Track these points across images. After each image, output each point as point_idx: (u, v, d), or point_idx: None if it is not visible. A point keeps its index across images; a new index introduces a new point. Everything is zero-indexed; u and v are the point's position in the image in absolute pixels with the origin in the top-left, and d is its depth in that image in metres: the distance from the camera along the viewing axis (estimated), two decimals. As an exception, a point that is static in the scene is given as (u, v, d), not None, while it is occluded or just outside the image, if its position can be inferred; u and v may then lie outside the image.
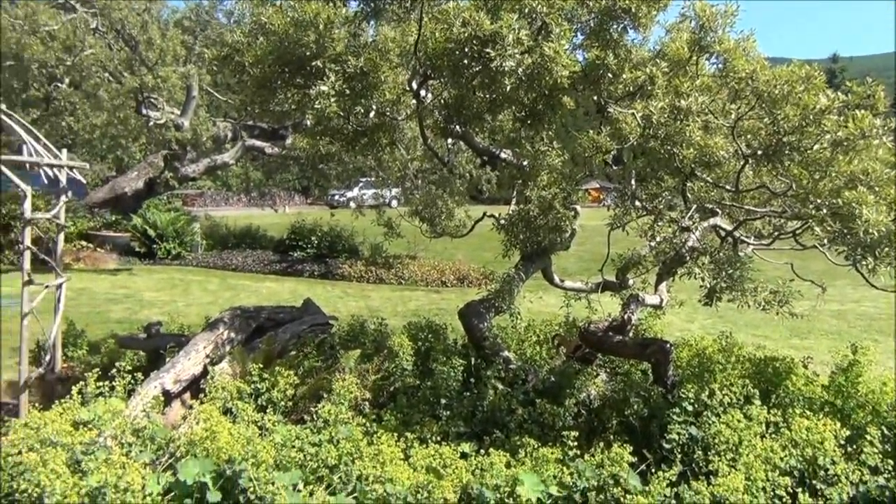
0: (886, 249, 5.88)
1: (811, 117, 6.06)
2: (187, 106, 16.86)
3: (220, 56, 8.31)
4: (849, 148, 6.06)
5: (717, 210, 7.82)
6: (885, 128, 5.98)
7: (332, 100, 6.86)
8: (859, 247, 5.92)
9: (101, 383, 6.75)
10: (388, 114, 8.17)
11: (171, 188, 17.03)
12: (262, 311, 9.55)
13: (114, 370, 7.16)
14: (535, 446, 6.27)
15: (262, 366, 7.59)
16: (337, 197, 42.06)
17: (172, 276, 21.00)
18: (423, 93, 8.21)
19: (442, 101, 8.05)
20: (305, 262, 23.72)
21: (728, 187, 7.36)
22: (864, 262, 6.04)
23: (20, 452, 5.34)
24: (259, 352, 8.41)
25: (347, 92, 7.11)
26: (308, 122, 7.13)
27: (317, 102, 6.82)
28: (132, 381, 7.07)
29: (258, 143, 17.87)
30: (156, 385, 7.41)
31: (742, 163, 6.88)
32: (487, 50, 6.24)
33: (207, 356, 8.10)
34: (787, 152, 6.33)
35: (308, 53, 7.03)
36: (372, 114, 8.19)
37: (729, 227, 7.82)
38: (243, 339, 8.81)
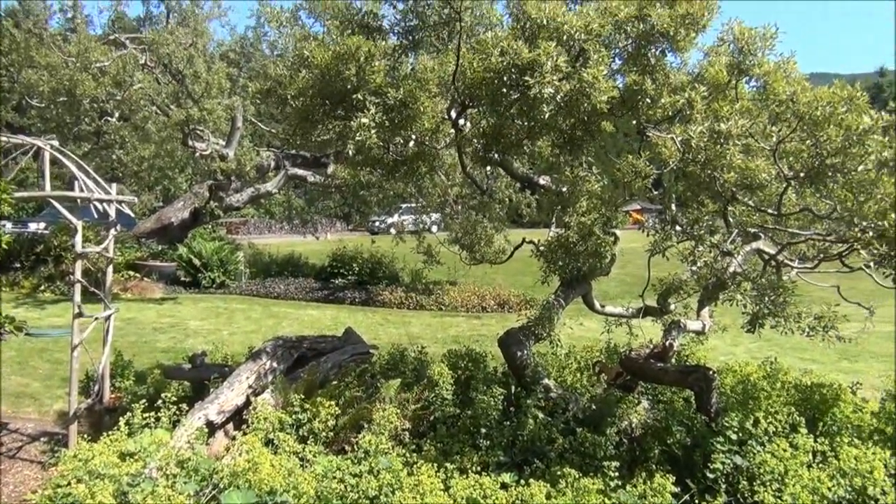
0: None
1: (854, 138, 5.95)
2: (232, 137, 17.19)
3: (263, 89, 8.50)
4: (895, 169, 5.94)
5: (760, 234, 7.70)
6: (933, 147, 5.85)
7: (373, 131, 6.96)
8: (907, 269, 5.79)
9: (147, 414, 6.88)
10: (427, 143, 8.24)
11: (215, 217, 17.30)
12: (303, 341, 9.64)
13: (160, 401, 7.28)
14: (576, 476, 6.20)
15: (303, 396, 7.65)
16: (377, 223, 42.39)
17: (217, 305, 21.29)
18: (461, 121, 8.27)
19: (480, 129, 8.10)
20: (346, 289, 23.87)
21: (770, 211, 7.25)
22: (915, 286, 5.90)
23: (69, 483, 5.46)
24: (301, 382, 8.48)
25: (387, 123, 7.20)
26: (349, 152, 7.22)
27: (357, 134, 6.92)
28: (177, 412, 7.19)
29: (300, 171, 18.10)
30: (200, 416, 7.51)
31: (784, 185, 6.78)
32: (526, 78, 6.28)
33: (250, 387, 8.19)
34: (830, 174, 6.22)
35: (349, 86, 7.14)
36: (411, 143, 8.28)
37: (772, 251, 7.69)
38: (285, 370, 8.89)
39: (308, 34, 7.93)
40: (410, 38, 7.33)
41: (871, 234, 5.96)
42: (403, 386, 8.73)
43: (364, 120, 6.88)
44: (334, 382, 8.84)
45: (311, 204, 24.02)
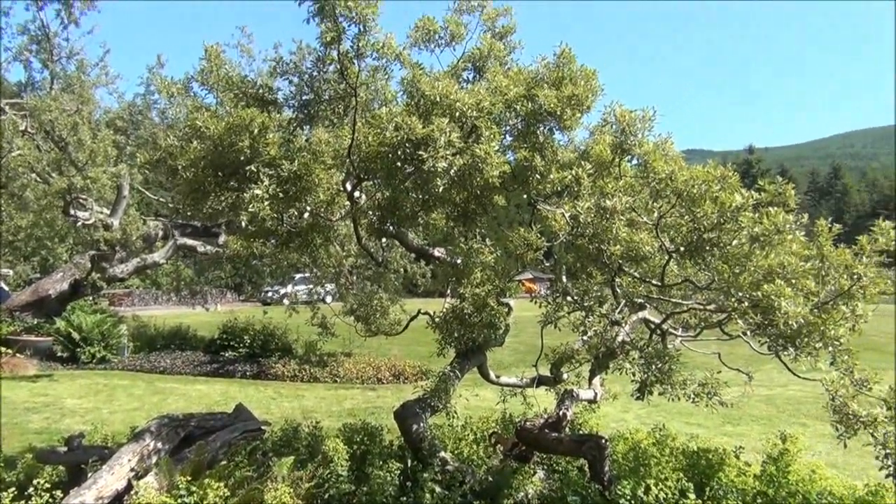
0: (806, 340, 6.10)
1: (728, 214, 6.35)
2: (117, 205, 16.65)
3: (152, 159, 8.31)
4: (765, 243, 6.35)
5: (646, 304, 8.02)
6: (798, 223, 6.30)
7: (266, 203, 6.91)
8: (780, 337, 6.14)
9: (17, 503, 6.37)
10: (322, 214, 8.24)
11: (98, 289, 16.57)
12: (190, 419, 9.22)
13: (31, 488, 6.78)
14: (475, 551, 6.12)
15: (190, 478, 7.28)
16: (270, 294, 41.59)
17: (97, 382, 20.12)
18: (356, 194, 8.32)
19: (376, 201, 8.18)
20: (237, 363, 23.07)
21: (654, 281, 7.58)
22: (785, 352, 6.26)
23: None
24: (188, 463, 8.07)
25: (281, 195, 7.17)
26: (242, 223, 7.11)
27: (251, 205, 6.85)
28: (51, 500, 6.68)
29: (190, 241, 17.68)
30: None
31: (667, 258, 7.12)
32: (420, 152, 6.42)
33: (132, 470, 7.74)
34: (707, 248, 6.60)
35: (242, 158, 7.10)
36: (306, 215, 8.25)
37: (657, 321, 8.01)
38: (171, 450, 8.46)
39: (200, 105, 7.86)
40: (306, 111, 7.39)
41: (746, 304, 6.31)
42: (297, 463, 8.45)
43: (257, 191, 6.83)
44: (224, 462, 8.46)
45: (200, 274, 23.38)
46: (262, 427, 9.85)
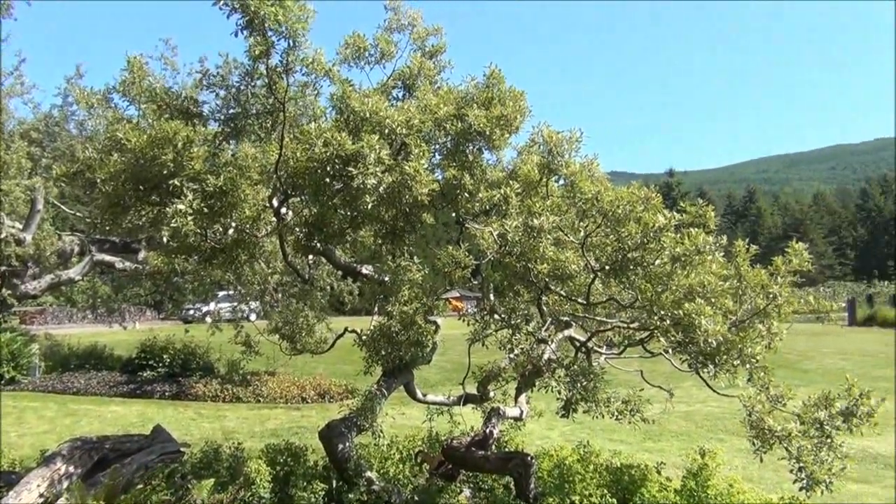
0: (725, 357, 6.29)
1: (651, 235, 6.51)
2: (31, 220, 15.94)
3: (69, 172, 8.01)
4: (686, 263, 6.54)
5: (572, 322, 8.14)
6: (717, 244, 6.52)
7: (190, 218, 6.74)
8: (700, 355, 6.32)
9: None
10: (247, 231, 8.08)
11: (8, 307, 15.81)
12: (105, 442, 8.86)
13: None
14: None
15: (104, 503, 6.99)
16: (192, 311, 40.54)
17: (5, 404, 19.17)
18: (283, 210, 8.20)
19: (303, 218, 8.06)
20: (156, 383, 22.31)
21: (580, 300, 7.70)
22: (705, 370, 6.44)
23: None
24: (101, 487, 7.74)
25: (205, 210, 7.00)
26: (164, 239, 6.91)
27: (173, 221, 6.67)
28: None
29: (108, 257, 17.05)
30: (-22, 531, 6.65)
31: (592, 276, 7.25)
32: (349, 168, 6.38)
33: (42, 495, 7.38)
34: (631, 267, 6.75)
35: (165, 171, 6.90)
36: (231, 231, 8.08)
37: (582, 339, 8.13)
38: (84, 474, 8.10)
39: (121, 117, 7.62)
40: (232, 125, 7.25)
41: (668, 322, 6.47)
42: (217, 486, 8.21)
43: (181, 206, 6.65)
44: (140, 486, 8.16)
45: (118, 291, 22.55)
46: (181, 449, 9.55)
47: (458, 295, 27.86)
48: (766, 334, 6.65)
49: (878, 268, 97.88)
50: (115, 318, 23.79)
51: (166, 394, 21.57)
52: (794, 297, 6.85)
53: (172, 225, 6.63)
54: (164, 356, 23.25)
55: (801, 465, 6.35)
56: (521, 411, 8.69)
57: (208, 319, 25.25)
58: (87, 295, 24.65)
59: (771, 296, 6.67)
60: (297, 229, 8.24)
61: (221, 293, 21.83)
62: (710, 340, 6.08)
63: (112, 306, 22.75)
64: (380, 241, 8.37)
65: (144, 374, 22.86)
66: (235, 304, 18.29)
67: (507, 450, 9.58)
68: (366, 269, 9.41)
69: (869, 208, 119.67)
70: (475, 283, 8.52)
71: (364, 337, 8.77)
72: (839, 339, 36.58)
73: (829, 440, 6.45)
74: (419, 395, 9.66)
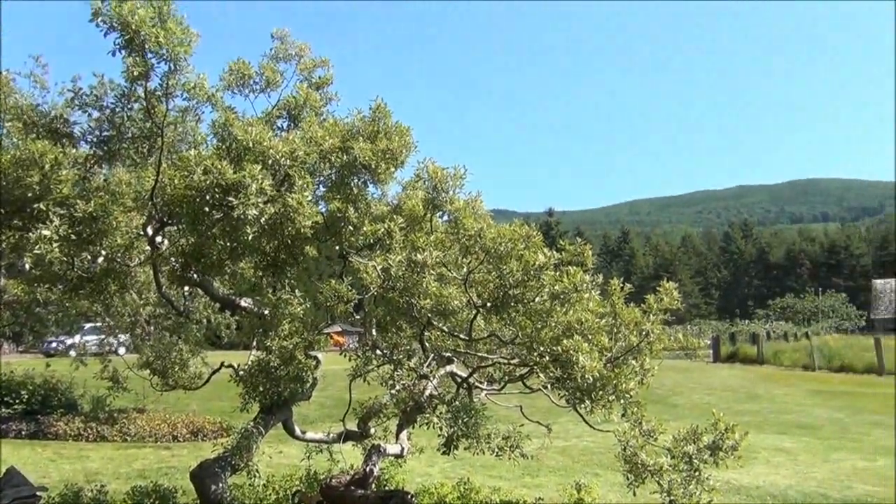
0: (601, 392, 6.45)
1: (532, 272, 6.64)
2: None
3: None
4: (565, 300, 6.69)
5: (453, 358, 8.15)
6: (594, 282, 6.72)
7: (55, 245, 6.34)
8: (578, 390, 6.45)
9: None
10: (118, 259, 7.68)
11: None
12: (-53, 486, 8.13)
13: None
14: None
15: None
16: (55, 344, 38.07)
17: None
18: (159, 239, 7.86)
19: (179, 247, 7.75)
20: (11, 421, 20.68)
21: (462, 336, 7.73)
22: (582, 405, 6.57)
23: None
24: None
25: (73, 237, 6.62)
26: (26, 266, 6.46)
27: (37, 247, 6.25)
28: None
29: (-40, 285, 15.81)
30: None
31: (474, 313, 7.30)
32: (230, 198, 6.20)
33: None
34: (512, 304, 6.85)
35: (30, 194, 6.46)
36: (101, 259, 7.67)
37: (464, 374, 8.16)
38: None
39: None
40: (105, 148, 6.91)
41: (547, 358, 6.58)
42: (75, 532, 7.67)
43: (46, 232, 6.25)
44: (-13, 535, 7.51)
45: (-28, 322, 20.92)
46: (38, 493, 8.88)
47: (339, 330, 27.52)
48: (640, 370, 6.88)
49: (740, 307, 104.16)
50: (-34, 350, 22.01)
51: (23, 433, 20.05)
52: (664, 334, 7.15)
53: (36, 251, 6.21)
54: (22, 392, 21.62)
55: (672, 498, 6.57)
56: (403, 448, 8.58)
57: (73, 353, 23.76)
58: (-67, 325, 22.75)
59: (644, 333, 6.93)
60: (173, 259, 7.91)
61: (88, 325, 20.69)
62: (587, 376, 6.22)
63: (-39, 338, 21.09)
64: (260, 274, 8.15)
65: (-2, 412, 21.21)
66: (103, 336, 17.32)
67: (387, 488, 9.44)
68: (244, 302, 9.12)
69: (731, 251, 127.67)
70: (358, 317, 8.42)
71: (241, 372, 8.48)
72: (705, 374, 38.52)
73: (697, 473, 6.72)
74: (298, 432, 9.40)
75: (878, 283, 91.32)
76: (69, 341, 32.86)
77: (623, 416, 6.91)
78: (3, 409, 21.24)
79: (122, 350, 18.91)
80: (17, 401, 21.40)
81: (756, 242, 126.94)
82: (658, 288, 7.29)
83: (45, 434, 19.97)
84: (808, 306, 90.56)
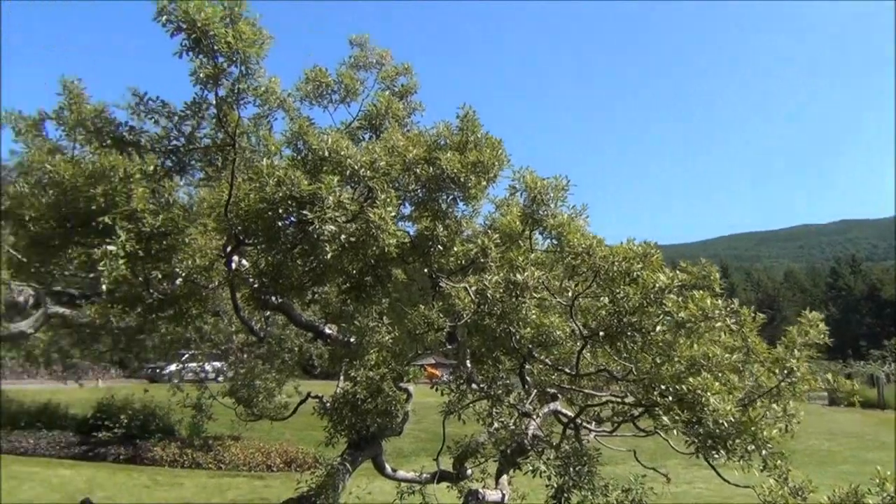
0: (737, 441, 5.38)
1: (652, 296, 5.68)
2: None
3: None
4: (691, 330, 5.68)
5: (558, 394, 7.23)
6: (728, 309, 5.67)
7: (122, 261, 5.82)
8: (710, 437, 5.39)
9: None
10: (197, 281, 7.16)
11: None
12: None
13: None
14: None
15: None
16: (158, 370, 38.98)
17: (-59, 465, 17.82)
18: (236, 258, 7.32)
19: (258, 268, 7.17)
20: (111, 444, 20.93)
21: (567, 370, 6.80)
22: (715, 454, 5.50)
23: None
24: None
25: (141, 253, 6.10)
26: (103, 287, 6.00)
27: (101, 264, 5.75)
28: None
29: (62, 309, 15.99)
30: None
31: (581, 343, 6.38)
32: (305, 212, 5.54)
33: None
34: (628, 333, 5.88)
35: (94, 207, 5.95)
36: (179, 280, 7.18)
37: (570, 413, 7.21)
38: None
39: (54, 147, 6.70)
40: (174, 158, 6.40)
41: (670, 398, 5.58)
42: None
43: (111, 248, 5.74)
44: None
45: (78, 346, 21.33)
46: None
47: (434, 362, 26.74)
48: (783, 415, 5.74)
49: (851, 346, 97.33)
50: (70, 374, 22.50)
51: (121, 457, 20.27)
52: (810, 373, 5.99)
53: (100, 268, 5.70)
54: (122, 416, 21.94)
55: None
56: (503, 494, 7.69)
57: (174, 380, 23.99)
58: (41, 350, 23.39)
59: (787, 371, 5.79)
60: (252, 280, 7.34)
61: (186, 352, 20.78)
62: (721, 421, 5.18)
63: (68, 362, 21.50)
64: (344, 297, 7.49)
65: (99, 435, 21.50)
66: (198, 363, 17.23)
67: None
68: (329, 329, 8.50)
69: (839, 287, 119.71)
70: (450, 348, 7.65)
71: (327, 404, 7.84)
72: (822, 419, 35.01)
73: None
74: (388, 470, 8.73)
75: None
76: (169, 367, 33.50)
77: (763, 469, 5.77)
78: (104, 433, 21.54)
79: (220, 377, 18.80)
80: (116, 424, 21.67)
81: (866, 278, 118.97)
82: (799, 318, 6.18)
83: (142, 459, 20.08)
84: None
